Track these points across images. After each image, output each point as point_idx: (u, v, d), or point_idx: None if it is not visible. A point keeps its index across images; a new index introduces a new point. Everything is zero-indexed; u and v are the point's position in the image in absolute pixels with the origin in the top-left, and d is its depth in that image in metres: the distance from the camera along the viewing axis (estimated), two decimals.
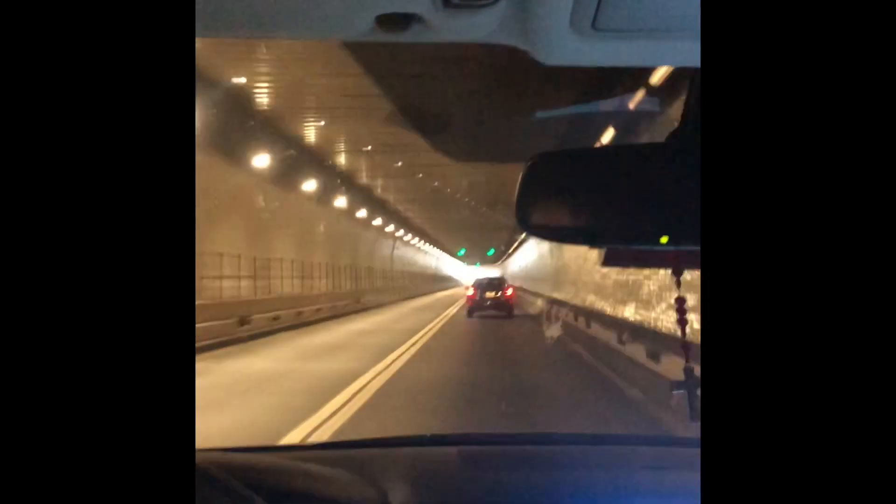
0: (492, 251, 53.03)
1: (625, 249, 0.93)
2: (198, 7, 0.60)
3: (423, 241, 54.20)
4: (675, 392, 1.19)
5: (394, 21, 0.64)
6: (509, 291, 24.53)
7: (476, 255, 71.51)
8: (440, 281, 68.16)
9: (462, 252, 54.58)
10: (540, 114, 13.73)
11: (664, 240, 0.82)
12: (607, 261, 0.95)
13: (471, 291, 24.81)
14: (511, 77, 11.72)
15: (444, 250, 66.21)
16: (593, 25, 0.63)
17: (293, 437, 5.90)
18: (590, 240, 0.90)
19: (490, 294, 24.01)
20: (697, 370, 1.17)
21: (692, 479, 1.06)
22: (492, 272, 39.29)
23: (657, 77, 10.20)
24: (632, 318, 13.08)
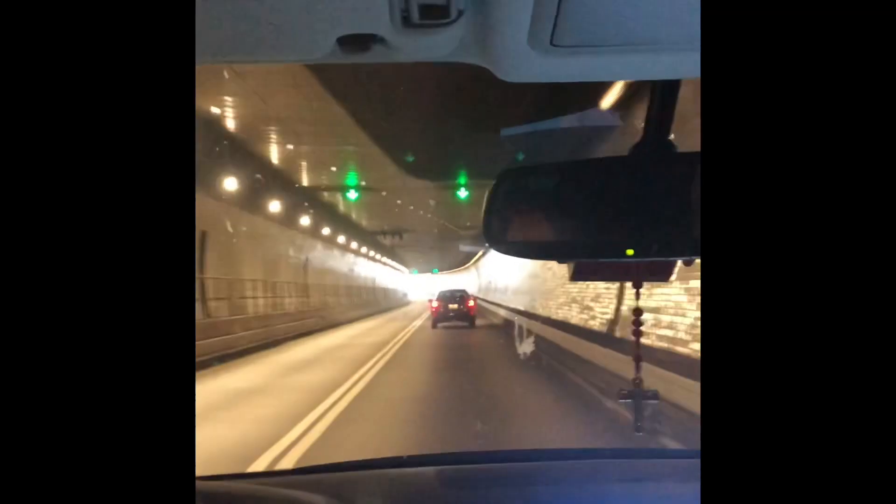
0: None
1: (593, 263, 0.93)
2: None
3: (380, 254, 52.59)
4: (620, 401, 1.19)
5: (355, 42, 0.64)
6: (471, 303, 25.35)
7: (432, 260, 66.29)
8: (389, 297, 64.43)
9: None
10: (503, 131, 13.76)
11: (630, 252, 0.82)
12: (576, 275, 0.95)
13: (435, 304, 25.37)
14: (472, 95, 11.75)
15: (396, 261, 63.90)
16: (552, 42, 0.63)
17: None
18: (557, 255, 0.90)
19: (453, 306, 24.85)
20: (645, 385, 1.17)
21: (677, 490, 1.05)
22: (454, 282, 38.60)
23: (618, 91, 10.31)
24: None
